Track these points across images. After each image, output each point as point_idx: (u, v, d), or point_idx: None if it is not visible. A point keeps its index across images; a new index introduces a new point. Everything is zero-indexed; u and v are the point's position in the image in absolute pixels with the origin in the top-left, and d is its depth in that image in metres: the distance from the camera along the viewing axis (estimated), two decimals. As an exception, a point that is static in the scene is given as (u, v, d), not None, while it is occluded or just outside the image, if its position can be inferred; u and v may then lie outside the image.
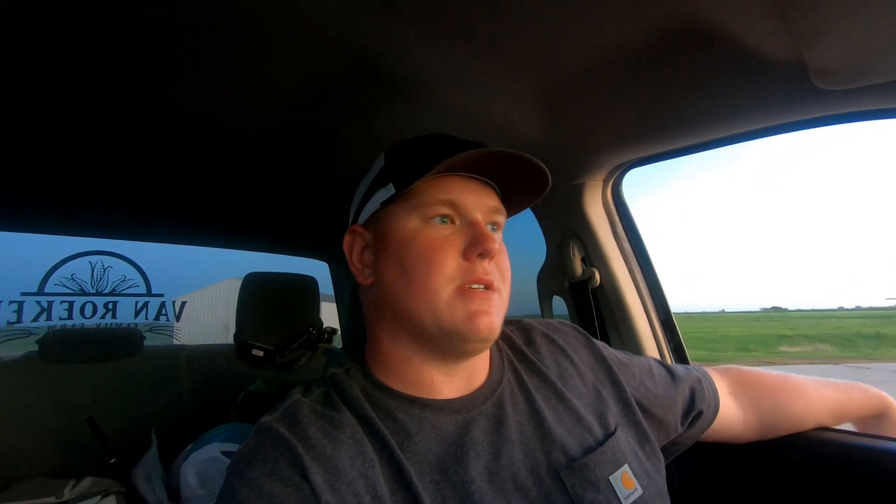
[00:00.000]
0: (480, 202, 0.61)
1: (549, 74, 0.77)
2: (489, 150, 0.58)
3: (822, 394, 0.86)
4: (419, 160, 0.59)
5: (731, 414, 0.82)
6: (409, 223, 0.60)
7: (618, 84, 0.77)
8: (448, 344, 0.59)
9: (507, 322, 0.75)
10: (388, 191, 0.61)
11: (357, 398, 0.58)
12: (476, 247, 0.58)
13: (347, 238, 0.66)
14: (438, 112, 0.89)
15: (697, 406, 0.77)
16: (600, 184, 1.12)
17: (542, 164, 0.60)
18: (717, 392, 0.81)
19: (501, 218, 0.64)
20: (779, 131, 0.84)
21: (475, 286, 0.58)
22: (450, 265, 0.58)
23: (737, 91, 0.75)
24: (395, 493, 0.51)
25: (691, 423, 0.77)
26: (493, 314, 0.58)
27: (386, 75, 0.77)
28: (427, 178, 0.57)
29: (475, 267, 0.58)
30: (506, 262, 0.62)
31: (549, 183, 0.63)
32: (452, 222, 0.60)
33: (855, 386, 0.88)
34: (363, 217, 0.65)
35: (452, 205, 0.60)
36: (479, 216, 0.61)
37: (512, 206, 0.67)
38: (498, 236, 0.64)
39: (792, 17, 0.58)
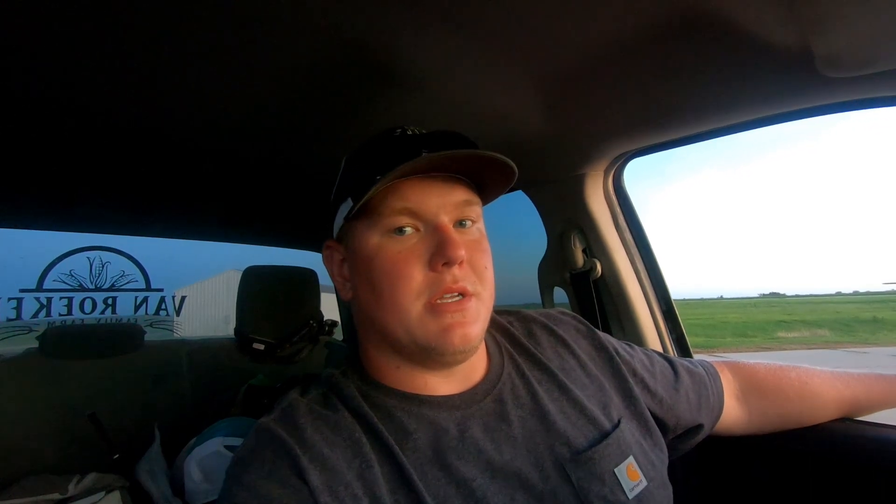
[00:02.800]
0: (443, 202, 0.57)
1: (549, 64, 0.75)
2: (437, 155, 0.54)
3: (838, 395, 0.81)
4: (371, 169, 0.56)
5: (734, 417, 0.80)
6: (370, 238, 0.57)
7: (620, 73, 0.76)
8: (428, 357, 0.58)
9: (507, 313, 0.74)
10: (348, 205, 0.58)
11: (354, 398, 0.58)
12: (440, 256, 0.54)
13: (325, 254, 0.65)
14: (436, 103, 0.87)
15: (696, 419, 0.74)
16: (601, 174, 1.11)
17: (500, 156, 0.56)
18: (722, 396, 0.79)
19: (474, 210, 0.60)
20: (784, 119, 0.83)
21: (447, 296, 0.55)
22: (416, 279, 0.55)
23: (741, 79, 0.74)
24: (396, 491, 0.51)
25: (687, 433, 0.75)
26: (469, 324, 0.56)
27: (382, 67, 0.76)
28: (380, 189, 0.54)
29: (443, 277, 0.55)
30: (483, 260, 0.59)
31: (515, 173, 0.58)
32: (417, 230, 0.57)
33: (880, 378, 0.82)
34: (335, 231, 0.63)
35: (411, 212, 0.56)
36: (443, 219, 0.57)
37: (489, 193, 0.63)
38: (476, 228, 0.61)
39: (798, 4, 0.57)
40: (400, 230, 0.56)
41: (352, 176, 0.60)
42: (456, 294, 0.56)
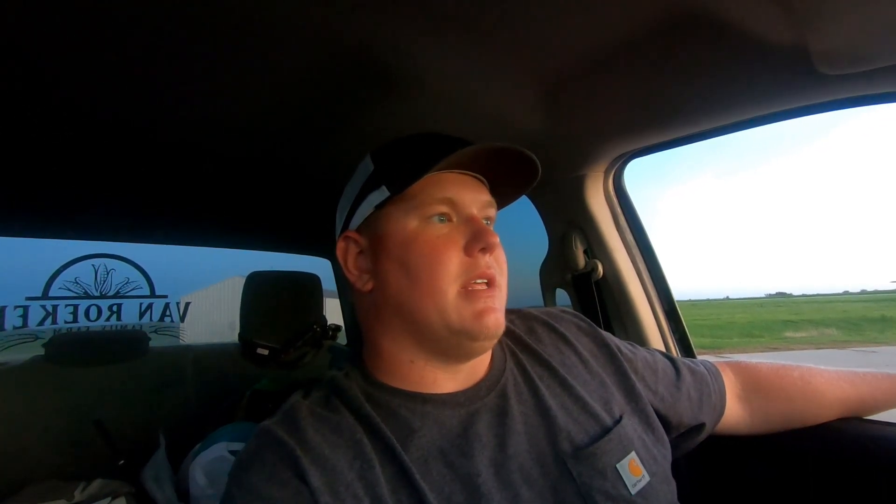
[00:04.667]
0: (475, 197, 0.62)
1: (548, 66, 0.76)
2: (487, 146, 0.58)
3: (843, 395, 0.80)
4: (413, 160, 0.59)
5: (737, 417, 0.80)
6: (408, 224, 0.60)
7: (618, 74, 0.76)
8: (456, 344, 0.59)
9: (508, 311, 0.75)
10: (382, 193, 0.60)
11: (356, 398, 0.58)
12: (478, 242, 0.58)
13: (340, 245, 0.65)
14: (437, 106, 0.88)
15: (697, 418, 0.74)
16: (601, 175, 1.11)
17: (535, 157, 0.60)
18: (724, 395, 0.78)
19: (493, 212, 0.65)
20: (782, 117, 0.83)
21: (479, 281, 0.58)
22: (453, 262, 0.58)
23: (739, 78, 0.74)
24: (398, 491, 0.51)
25: (690, 433, 0.75)
26: (499, 310, 0.59)
27: (383, 70, 0.77)
28: (433, 172, 0.57)
29: (478, 262, 0.58)
30: (503, 256, 0.63)
31: (540, 175, 0.63)
32: (450, 220, 0.60)
33: (886, 377, 0.80)
34: (355, 222, 0.64)
35: (450, 202, 0.60)
36: (475, 211, 0.61)
37: (500, 198, 0.67)
38: (492, 228, 0.64)
39: (794, 2, 0.57)
40: (439, 217, 0.60)
41: (388, 166, 0.63)
42: (485, 280, 0.59)
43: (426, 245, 0.58)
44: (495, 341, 0.62)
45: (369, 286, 0.63)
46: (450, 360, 0.61)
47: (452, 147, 0.58)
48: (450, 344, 0.59)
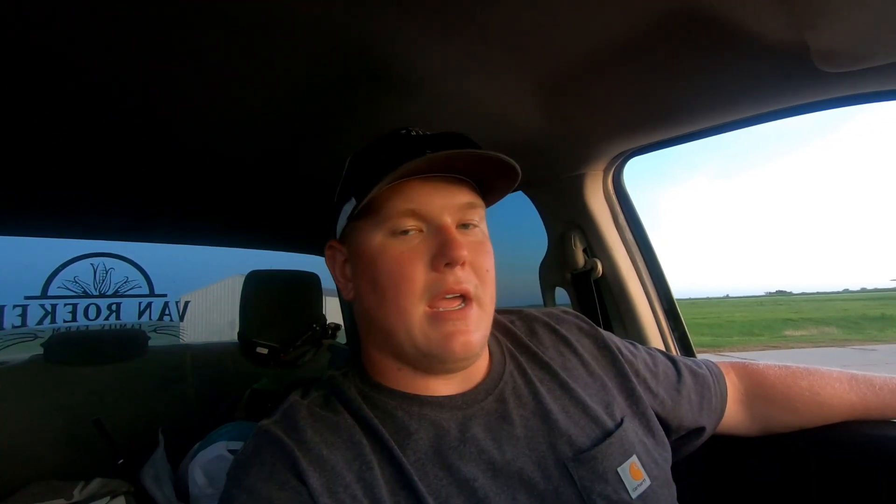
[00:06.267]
0: (446, 203, 0.57)
1: (547, 64, 0.75)
2: (442, 154, 0.54)
3: (849, 409, 0.77)
4: (375, 168, 0.56)
5: (737, 420, 0.79)
6: (374, 238, 0.57)
7: (617, 72, 0.76)
8: (428, 363, 0.58)
9: (509, 312, 0.74)
10: (352, 204, 0.58)
11: (354, 399, 0.58)
12: (442, 256, 0.55)
13: (328, 253, 0.65)
14: (436, 105, 0.88)
15: (697, 420, 0.73)
16: (601, 173, 1.11)
17: (504, 157, 0.56)
18: (725, 399, 0.77)
19: (477, 212, 0.60)
20: (781, 116, 0.83)
21: (449, 297, 0.56)
22: (418, 279, 0.55)
23: (738, 76, 0.74)
24: (396, 493, 0.51)
25: (690, 435, 0.74)
26: (471, 332, 0.56)
27: (383, 69, 0.76)
28: (383, 187, 0.54)
29: (445, 278, 0.55)
30: (486, 262, 0.59)
31: (519, 174, 0.59)
32: (420, 231, 0.57)
33: (891, 384, 0.77)
34: (338, 231, 0.64)
35: (415, 213, 0.56)
36: (447, 220, 0.57)
37: (492, 195, 0.64)
38: (479, 230, 0.61)
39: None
40: (404, 231, 0.57)
41: (356, 176, 0.60)
42: (458, 296, 0.56)
43: (391, 261, 0.56)
44: (471, 362, 0.60)
45: (351, 295, 0.63)
46: (435, 372, 0.60)
47: (413, 152, 0.54)
48: (423, 363, 0.58)
